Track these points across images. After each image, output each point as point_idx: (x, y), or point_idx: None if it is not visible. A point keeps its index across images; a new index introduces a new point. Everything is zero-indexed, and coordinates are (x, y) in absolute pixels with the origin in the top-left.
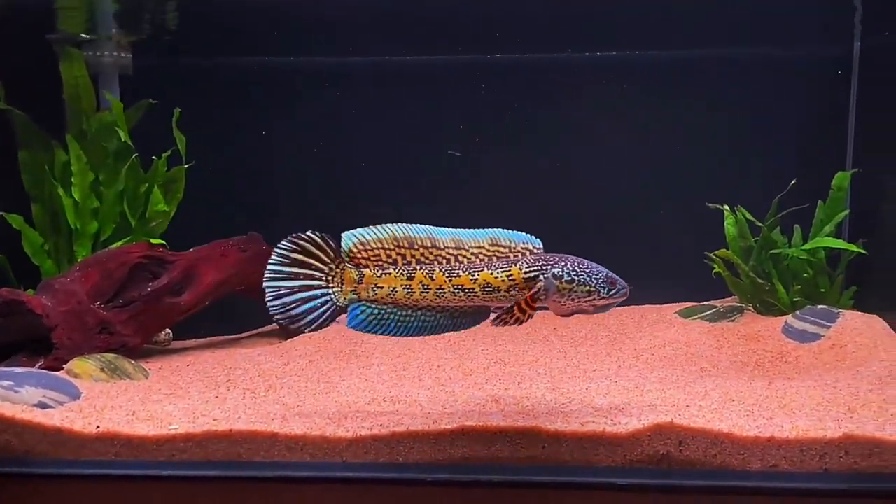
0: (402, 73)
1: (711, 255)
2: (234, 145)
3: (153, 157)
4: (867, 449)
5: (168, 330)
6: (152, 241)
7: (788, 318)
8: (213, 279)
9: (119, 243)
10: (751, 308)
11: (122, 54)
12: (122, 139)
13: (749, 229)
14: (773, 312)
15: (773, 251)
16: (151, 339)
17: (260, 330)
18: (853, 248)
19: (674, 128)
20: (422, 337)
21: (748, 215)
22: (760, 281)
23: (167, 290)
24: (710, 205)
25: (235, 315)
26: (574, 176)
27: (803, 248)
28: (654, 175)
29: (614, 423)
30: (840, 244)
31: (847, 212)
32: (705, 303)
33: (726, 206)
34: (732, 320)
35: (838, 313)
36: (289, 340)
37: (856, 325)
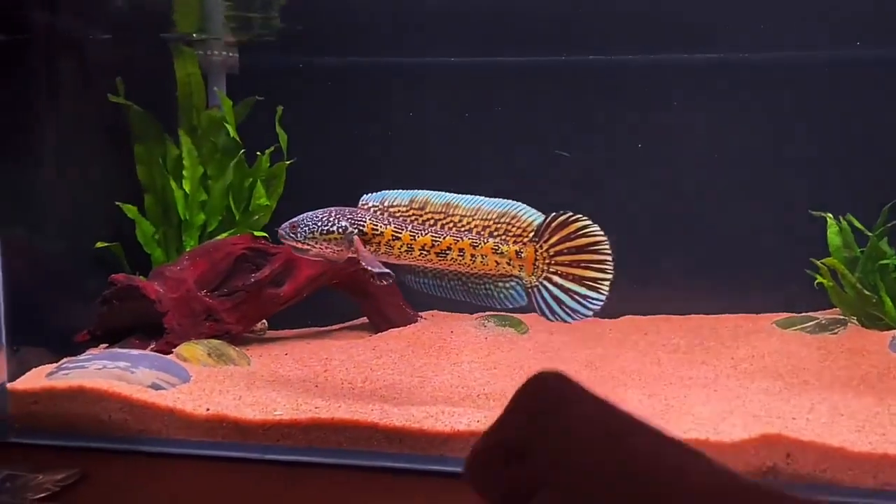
0: (505, 73)
1: (819, 263)
2: (333, 143)
3: (257, 153)
4: None
5: (264, 320)
6: (255, 233)
7: None
8: (311, 272)
9: (224, 235)
10: (854, 321)
11: (230, 53)
12: (231, 135)
13: (854, 239)
14: (879, 326)
15: (881, 262)
16: (251, 327)
17: (350, 323)
18: None
19: (778, 132)
20: (510, 338)
21: (857, 223)
22: (867, 293)
23: (268, 281)
24: (815, 212)
25: (321, 307)
26: (673, 179)
27: None
28: (753, 180)
29: (718, 431)
30: None
31: None
32: (805, 314)
33: (830, 215)
34: (835, 333)
35: None
36: (378, 335)
37: None
